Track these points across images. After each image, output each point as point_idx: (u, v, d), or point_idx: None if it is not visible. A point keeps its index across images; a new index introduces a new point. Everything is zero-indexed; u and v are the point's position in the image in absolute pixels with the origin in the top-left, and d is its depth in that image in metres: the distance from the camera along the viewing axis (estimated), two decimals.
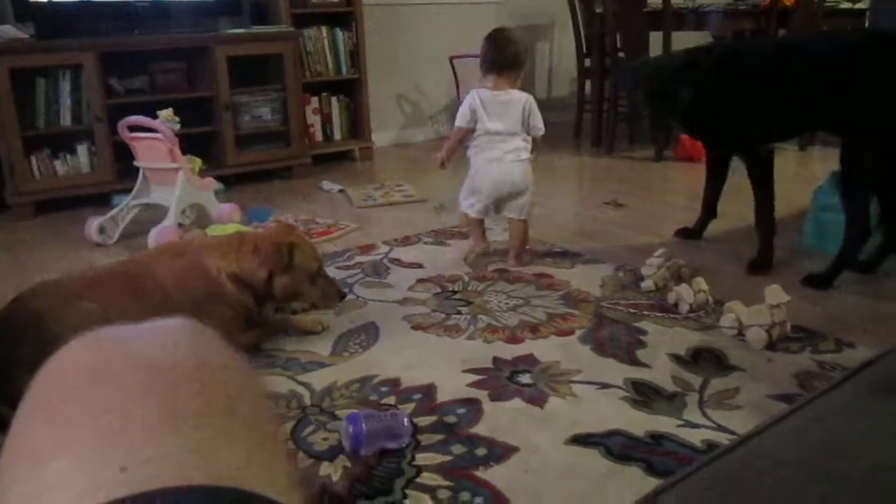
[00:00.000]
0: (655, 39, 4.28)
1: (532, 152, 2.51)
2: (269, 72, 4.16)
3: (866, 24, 5.04)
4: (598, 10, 4.70)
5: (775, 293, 1.90)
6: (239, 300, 1.93)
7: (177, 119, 3.01)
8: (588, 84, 4.97)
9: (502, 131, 2.44)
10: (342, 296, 2.09)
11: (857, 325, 2.05)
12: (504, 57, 2.46)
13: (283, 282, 1.95)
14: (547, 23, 5.61)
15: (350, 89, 4.66)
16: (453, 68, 5.09)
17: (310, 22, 4.42)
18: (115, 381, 0.44)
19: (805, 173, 3.80)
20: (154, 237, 2.81)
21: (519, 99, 2.45)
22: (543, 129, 2.50)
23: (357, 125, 4.71)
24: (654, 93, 2.56)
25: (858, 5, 4.96)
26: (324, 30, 4.48)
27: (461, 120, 2.48)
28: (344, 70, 4.59)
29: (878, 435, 0.73)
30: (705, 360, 1.85)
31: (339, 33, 4.54)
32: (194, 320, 0.51)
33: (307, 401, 1.70)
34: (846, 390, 0.84)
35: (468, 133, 2.49)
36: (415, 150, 4.96)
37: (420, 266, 2.60)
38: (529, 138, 2.49)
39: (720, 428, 1.53)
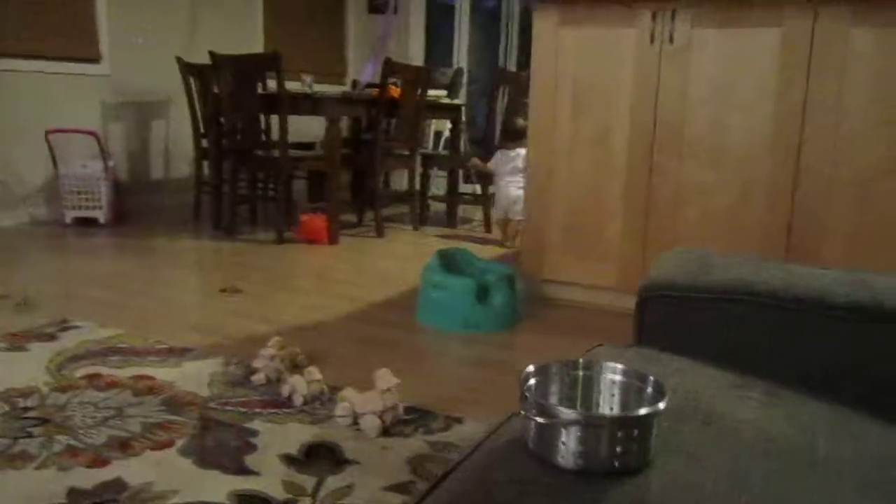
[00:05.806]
0: (274, 122, 4.26)
1: None
2: None
3: (462, 119, 5.64)
4: (216, 89, 4.55)
5: (384, 377, 1.86)
6: None
7: None
8: (206, 165, 4.77)
9: None
10: None
11: (465, 398, 2.10)
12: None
13: None
14: (162, 100, 5.30)
15: None
16: (49, 144, 4.50)
17: None
18: None
19: (419, 252, 4.00)
20: None
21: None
22: None
23: None
24: None
25: (456, 101, 5.52)
26: None
27: None
28: None
29: None
30: (319, 456, 1.72)
31: None
32: None
33: None
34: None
35: None
36: (4, 238, 4.23)
37: None
38: None
39: None
